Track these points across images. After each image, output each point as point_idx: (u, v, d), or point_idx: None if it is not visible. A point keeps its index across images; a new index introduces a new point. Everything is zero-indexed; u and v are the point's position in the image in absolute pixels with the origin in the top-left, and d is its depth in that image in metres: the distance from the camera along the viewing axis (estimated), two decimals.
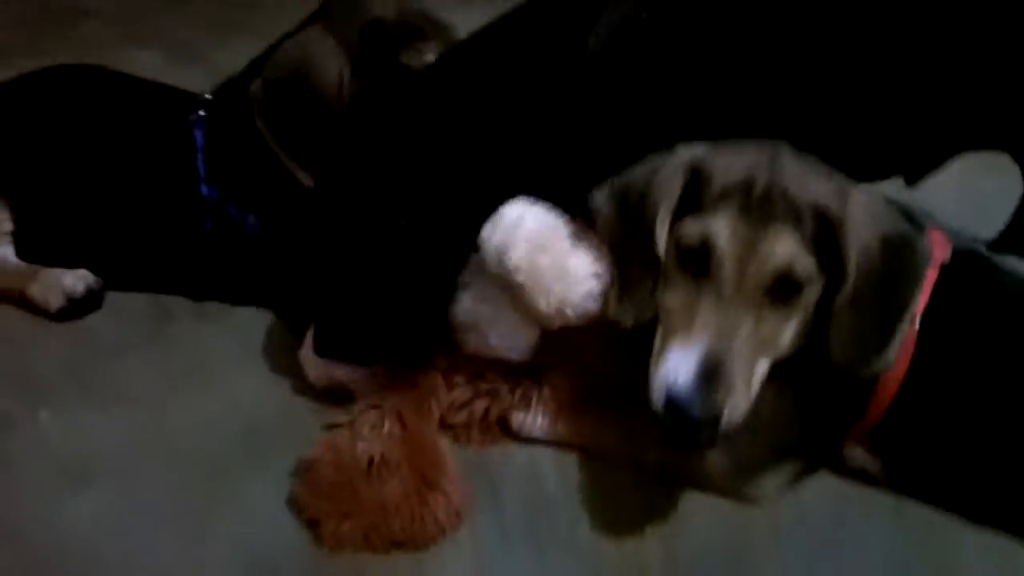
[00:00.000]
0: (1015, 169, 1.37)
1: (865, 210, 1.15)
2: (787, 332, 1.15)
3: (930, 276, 1.21)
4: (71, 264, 1.43)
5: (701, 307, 1.12)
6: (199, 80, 1.60)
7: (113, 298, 1.44)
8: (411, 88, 1.33)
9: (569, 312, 1.21)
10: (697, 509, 1.27)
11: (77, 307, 1.41)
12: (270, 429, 1.30)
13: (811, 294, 1.14)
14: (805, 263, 1.12)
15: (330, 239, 1.27)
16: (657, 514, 1.26)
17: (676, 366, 1.10)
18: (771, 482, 1.27)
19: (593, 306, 1.21)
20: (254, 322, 1.43)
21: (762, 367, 1.14)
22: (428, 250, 1.22)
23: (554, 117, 1.24)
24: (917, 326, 1.20)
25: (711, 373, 1.09)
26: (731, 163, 1.15)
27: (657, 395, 1.12)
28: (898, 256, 1.16)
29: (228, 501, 1.22)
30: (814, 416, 1.23)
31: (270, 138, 1.37)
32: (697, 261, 1.14)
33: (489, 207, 1.22)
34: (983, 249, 1.31)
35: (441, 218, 1.23)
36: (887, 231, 1.16)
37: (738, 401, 1.10)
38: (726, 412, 1.09)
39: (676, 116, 1.24)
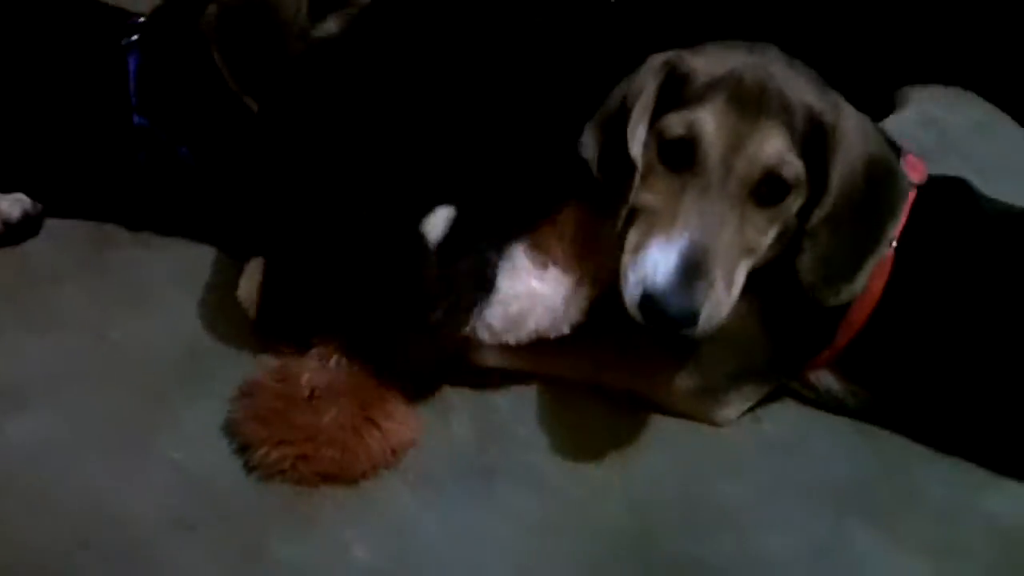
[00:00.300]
0: (979, 102, 1.34)
1: (856, 126, 1.10)
2: (769, 238, 1.09)
3: (910, 196, 1.17)
4: (7, 188, 1.38)
5: (684, 202, 1.06)
6: (144, 9, 1.53)
7: (52, 224, 1.40)
8: (364, 38, 1.27)
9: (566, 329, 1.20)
10: (655, 437, 1.24)
11: (13, 232, 1.36)
12: (209, 355, 1.26)
13: (795, 201, 1.09)
14: (794, 164, 1.06)
15: (272, 191, 1.21)
16: (614, 443, 1.23)
17: (656, 260, 1.04)
18: (736, 403, 1.23)
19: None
20: (195, 248, 1.39)
21: (743, 271, 1.08)
22: (383, 215, 1.15)
23: (517, 77, 1.20)
24: (894, 248, 1.16)
25: (693, 268, 1.02)
26: (717, 60, 1.10)
27: (632, 292, 1.05)
28: (881, 182, 1.11)
29: (166, 425, 1.19)
30: (782, 337, 1.19)
31: (224, 69, 1.31)
32: (681, 154, 1.07)
33: (444, 168, 1.17)
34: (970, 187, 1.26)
35: (395, 177, 1.17)
36: (874, 153, 1.11)
37: (719, 300, 1.04)
38: (706, 310, 1.03)
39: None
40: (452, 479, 1.17)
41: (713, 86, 1.07)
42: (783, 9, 1.27)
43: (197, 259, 1.37)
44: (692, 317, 1.03)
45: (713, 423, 1.24)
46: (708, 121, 1.06)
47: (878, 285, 1.16)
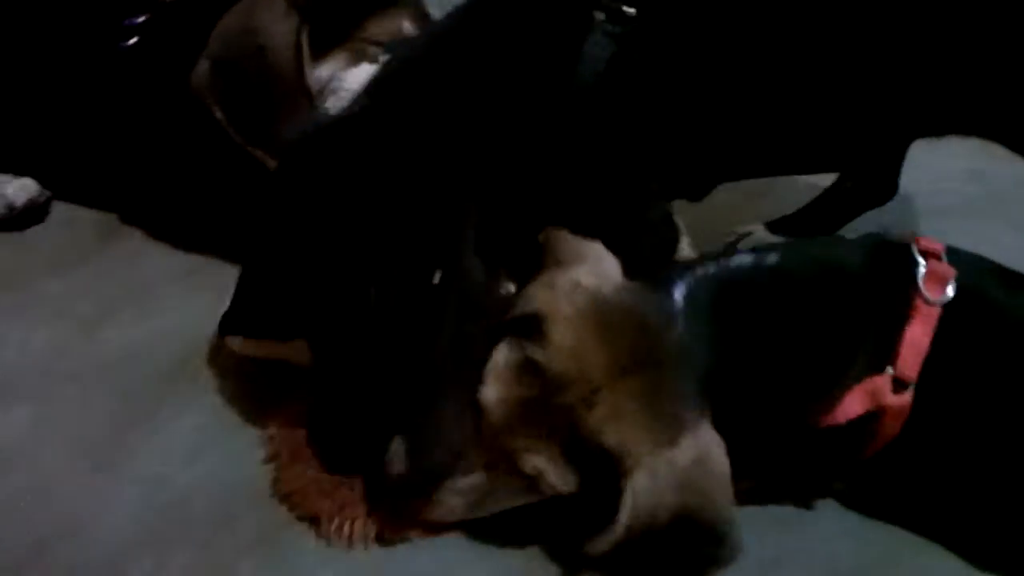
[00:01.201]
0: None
1: (667, 476, 0.98)
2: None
3: (932, 318, 1.07)
4: (17, 170, 1.35)
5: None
6: None
7: (59, 209, 1.37)
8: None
9: None
10: None
11: (17, 219, 1.34)
12: (200, 362, 1.22)
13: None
14: (558, 483, 1.00)
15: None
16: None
17: None
18: None
19: None
20: (203, 244, 1.35)
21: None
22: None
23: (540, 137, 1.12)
24: (911, 394, 1.06)
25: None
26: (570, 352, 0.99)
27: None
28: (693, 539, 1.02)
29: (146, 439, 1.15)
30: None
31: (228, 125, 1.24)
32: None
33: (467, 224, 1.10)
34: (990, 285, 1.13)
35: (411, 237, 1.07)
36: (693, 505, 1.00)
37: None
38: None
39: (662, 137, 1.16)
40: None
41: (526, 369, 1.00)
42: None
43: (202, 257, 1.34)
44: None
45: None
46: (490, 407, 1.01)
47: (894, 426, 1.08)
